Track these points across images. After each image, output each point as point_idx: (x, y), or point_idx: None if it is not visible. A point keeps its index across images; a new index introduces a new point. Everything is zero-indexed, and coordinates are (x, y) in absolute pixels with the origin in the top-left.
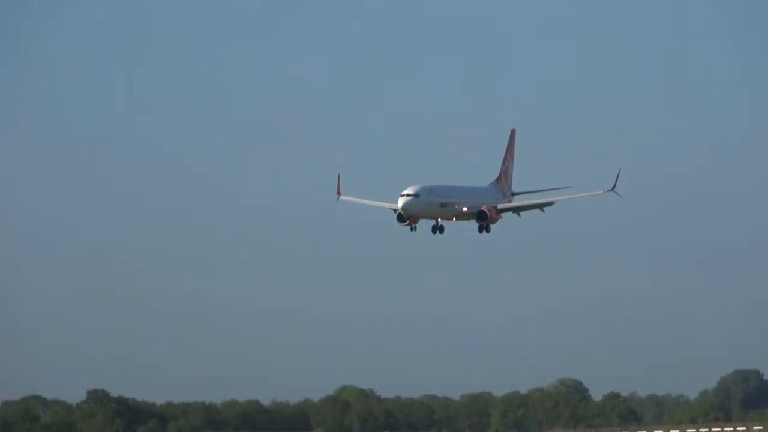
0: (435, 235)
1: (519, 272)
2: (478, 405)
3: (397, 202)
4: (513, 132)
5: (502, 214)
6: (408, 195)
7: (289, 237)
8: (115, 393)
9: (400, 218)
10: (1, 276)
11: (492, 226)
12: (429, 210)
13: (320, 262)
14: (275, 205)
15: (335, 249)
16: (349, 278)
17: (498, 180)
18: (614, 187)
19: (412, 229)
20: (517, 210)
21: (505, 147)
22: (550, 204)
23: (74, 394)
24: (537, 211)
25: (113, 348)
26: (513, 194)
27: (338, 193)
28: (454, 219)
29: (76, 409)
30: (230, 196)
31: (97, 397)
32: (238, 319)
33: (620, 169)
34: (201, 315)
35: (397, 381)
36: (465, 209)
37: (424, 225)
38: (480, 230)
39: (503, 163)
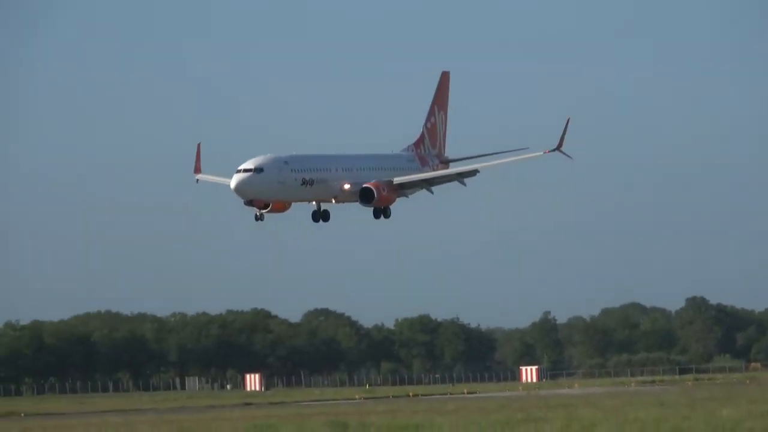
0: (318, 224)
1: None
2: None
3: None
4: (445, 75)
5: (409, 192)
6: (245, 170)
7: None
8: (713, 300)
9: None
10: None
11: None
12: (281, 191)
13: None
14: None
15: None
16: None
17: (418, 143)
18: (560, 145)
19: (257, 218)
20: (426, 184)
21: (432, 96)
22: (472, 173)
23: (673, 302)
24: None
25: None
26: (447, 161)
27: (197, 170)
28: (333, 201)
29: (675, 316)
30: None
31: (696, 304)
32: None
33: (569, 120)
34: None
35: None
36: (347, 186)
37: (301, 210)
38: (376, 215)
39: (428, 119)
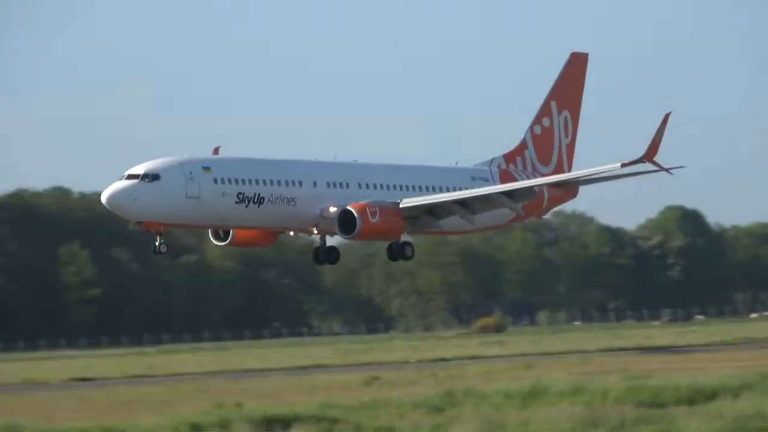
0: (324, 266)
1: None
2: None
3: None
4: (577, 59)
5: (445, 223)
6: (131, 177)
7: None
8: None
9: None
10: None
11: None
12: (196, 211)
13: None
14: None
15: None
16: None
17: (513, 156)
18: (652, 154)
19: (155, 250)
20: (462, 210)
21: (548, 89)
22: (528, 195)
23: None
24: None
25: None
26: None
27: None
28: (315, 231)
29: None
30: None
31: None
32: None
33: (668, 116)
34: None
35: None
36: (333, 209)
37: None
38: (391, 255)
39: (537, 121)
